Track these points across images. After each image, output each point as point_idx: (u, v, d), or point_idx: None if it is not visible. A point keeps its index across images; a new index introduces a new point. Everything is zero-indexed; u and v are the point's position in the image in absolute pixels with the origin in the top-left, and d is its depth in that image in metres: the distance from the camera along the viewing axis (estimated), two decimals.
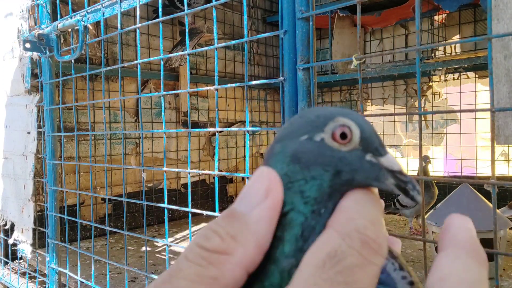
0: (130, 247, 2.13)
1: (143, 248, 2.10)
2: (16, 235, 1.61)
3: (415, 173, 2.71)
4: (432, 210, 1.82)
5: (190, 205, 1.02)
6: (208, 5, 1.00)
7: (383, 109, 3.10)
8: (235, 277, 0.21)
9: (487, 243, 1.58)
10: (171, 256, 2.01)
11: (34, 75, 1.61)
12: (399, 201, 2.15)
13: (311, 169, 0.24)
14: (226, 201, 3.11)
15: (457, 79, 2.74)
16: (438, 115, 2.83)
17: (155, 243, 2.21)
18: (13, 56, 1.58)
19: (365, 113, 0.79)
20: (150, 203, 1.12)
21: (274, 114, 3.42)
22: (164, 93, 1.05)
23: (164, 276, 0.21)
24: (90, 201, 2.28)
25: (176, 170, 1.16)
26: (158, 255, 2.04)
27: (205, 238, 0.21)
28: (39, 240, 1.88)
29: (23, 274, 1.80)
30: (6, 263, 1.89)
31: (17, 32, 1.53)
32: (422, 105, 2.87)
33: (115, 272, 1.78)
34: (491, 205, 1.37)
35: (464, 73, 2.67)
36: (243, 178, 3.18)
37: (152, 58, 1.13)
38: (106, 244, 1.31)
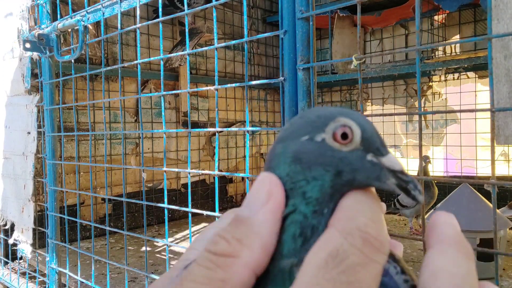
0: (130, 247, 2.13)
1: (143, 248, 2.10)
2: (16, 235, 1.61)
3: (415, 173, 2.71)
4: (432, 210, 1.82)
5: (190, 205, 1.02)
6: (208, 5, 1.00)
7: (383, 109, 3.10)
8: (243, 279, 0.21)
9: (487, 243, 1.59)
10: (171, 256, 2.01)
11: (34, 75, 1.61)
12: (399, 201, 2.15)
13: (312, 169, 0.24)
14: (226, 201, 3.11)
15: (457, 79, 2.74)
16: (438, 115, 2.83)
17: (155, 243, 2.21)
18: (13, 56, 1.58)
19: (365, 113, 0.79)
20: (150, 203, 1.12)
21: (274, 114, 3.42)
22: (164, 93, 1.05)
23: (175, 279, 0.22)
24: (90, 201, 2.28)
25: (176, 170, 1.16)
26: (158, 255, 2.04)
27: (212, 243, 0.22)
28: (39, 240, 1.88)
29: (23, 274, 1.80)
30: (6, 263, 1.89)
31: (17, 32, 1.53)
32: (422, 105, 2.87)
33: (115, 272, 1.78)
34: (491, 205, 1.37)
35: (464, 73, 2.67)
36: (243, 178, 3.18)
37: (152, 58, 1.13)
38: (106, 244, 1.31)
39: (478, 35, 2.64)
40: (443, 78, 2.80)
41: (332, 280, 0.19)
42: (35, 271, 1.72)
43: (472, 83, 2.69)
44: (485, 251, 0.71)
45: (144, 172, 1.19)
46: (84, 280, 1.33)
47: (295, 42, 0.83)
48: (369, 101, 3.14)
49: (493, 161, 0.63)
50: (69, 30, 1.37)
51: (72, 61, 1.30)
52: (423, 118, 2.71)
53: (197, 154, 2.91)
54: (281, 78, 0.86)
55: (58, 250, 1.46)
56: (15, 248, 1.67)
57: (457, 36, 2.74)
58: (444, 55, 2.74)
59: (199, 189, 2.91)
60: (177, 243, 2.19)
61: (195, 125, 2.84)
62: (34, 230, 1.55)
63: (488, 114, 1.13)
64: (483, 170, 2.68)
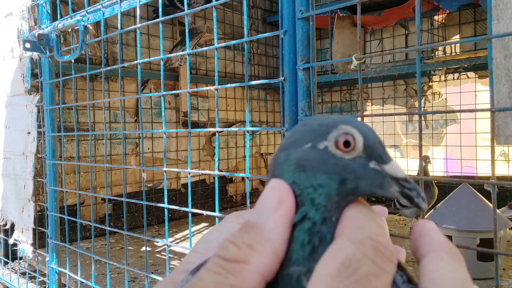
0: (130, 247, 2.13)
1: (143, 248, 2.10)
2: (16, 235, 1.61)
3: (415, 173, 2.72)
4: (432, 210, 1.82)
5: (190, 205, 1.02)
6: (208, 5, 1.00)
7: (383, 109, 3.10)
8: (253, 284, 0.21)
9: (487, 243, 1.58)
10: (171, 256, 2.01)
11: (34, 75, 1.61)
12: (399, 201, 2.14)
13: (318, 177, 0.24)
14: (226, 201, 3.11)
15: (457, 79, 2.74)
16: (438, 115, 2.83)
17: (155, 243, 2.21)
18: (13, 56, 1.58)
19: (365, 113, 0.79)
20: (150, 203, 1.12)
21: (274, 114, 3.42)
22: (164, 93, 1.05)
23: (182, 284, 0.22)
24: (90, 201, 2.28)
25: (176, 170, 1.16)
26: (158, 255, 2.04)
27: (223, 249, 0.22)
28: (39, 240, 1.87)
29: (23, 274, 1.80)
30: (6, 263, 1.89)
31: (17, 32, 1.53)
32: (422, 105, 2.87)
33: (115, 272, 1.78)
34: (491, 205, 1.37)
35: (464, 73, 2.67)
36: (243, 178, 3.18)
37: (152, 58, 1.13)
38: (106, 244, 1.31)
39: (478, 35, 2.64)
40: (443, 78, 2.80)
41: None
42: (35, 271, 1.72)
43: (472, 83, 2.69)
44: (485, 251, 0.71)
45: (144, 172, 1.19)
46: (84, 280, 1.33)
47: (295, 42, 0.83)
48: (369, 101, 3.14)
49: (493, 161, 0.63)
50: (69, 30, 1.37)
51: (72, 61, 1.30)
52: (423, 118, 2.71)
53: (197, 154, 2.91)
54: (281, 78, 0.86)
55: (58, 250, 1.46)
56: (15, 248, 1.67)
57: (457, 36, 2.74)
58: (444, 55, 2.74)
59: (199, 189, 2.91)
60: (177, 243, 2.19)
61: (195, 125, 2.84)
62: (34, 230, 1.55)
63: (488, 114, 1.13)
64: (483, 170, 2.68)
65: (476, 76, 2.65)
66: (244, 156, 3.21)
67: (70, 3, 1.32)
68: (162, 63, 1.06)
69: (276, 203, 0.23)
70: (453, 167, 2.86)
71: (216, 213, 0.95)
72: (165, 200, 1.07)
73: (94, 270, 1.31)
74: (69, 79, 1.78)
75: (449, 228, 1.63)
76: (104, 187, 2.33)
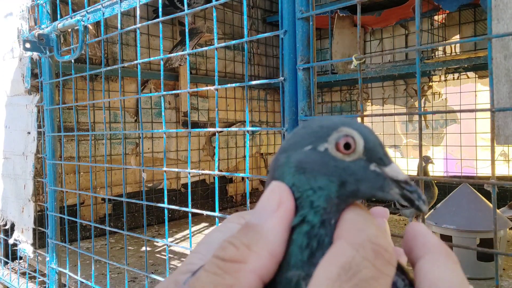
0: (130, 247, 2.13)
1: (143, 248, 2.10)
2: (16, 235, 1.61)
3: (415, 173, 2.71)
4: (432, 210, 1.82)
5: (190, 205, 1.02)
6: (208, 5, 1.00)
7: (383, 109, 3.10)
8: (250, 284, 0.21)
9: (487, 243, 1.58)
10: (171, 256, 2.01)
11: (34, 75, 1.61)
12: (399, 202, 2.14)
13: (317, 179, 0.24)
14: (226, 201, 3.11)
15: (457, 79, 2.74)
16: (438, 115, 2.83)
17: (155, 243, 2.21)
18: (13, 56, 1.58)
19: (365, 113, 0.79)
20: (150, 203, 1.12)
21: (274, 114, 3.42)
22: (164, 93, 1.05)
23: (182, 286, 0.22)
24: (90, 201, 2.28)
25: (176, 170, 1.16)
26: (158, 255, 2.04)
27: (221, 249, 0.22)
28: (39, 240, 1.88)
29: (23, 274, 1.80)
30: (6, 263, 1.89)
31: (17, 32, 1.53)
32: (422, 105, 2.87)
33: (115, 272, 1.78)
34: (491, 205, 1.37)
35: (464, 73, 2.67)
36: (243, 178, 3.18)
37: (152, 58, 1.13)
38: (106, 244, 1.31)
39: (478, 35, 2.64)
40: (443, 78, 2.80)
41: None
42: (35, 271, 1.72)
43: (472, 83, 2.69)
44: (485, 251, 0.71)
45: (144, 172, 1.19)
46: (84, 280, 1.33)
47: (295, 42, 0.83)
48: (369, 101, 3.14)
49: (493, 161, 0.63)
50: (69, 30, 1.37)
51: (72, 61, 1.30)
52: (423, 118, 2.71)
53: (197, 154, 2.91)
54: (281, 78, 0.86)
55: (58, 250, 1.46)
56: (15, 248, 1.67)
57: (457, 36, 2.74)
58: (444, 55, 2.74)
59: (199, 189, 2.91)
60: (177, 243, 2.19)
61: (195, 125, 2.84)
62: (34, 230, 1.55)
63: (488, 114, 1.13)
64: (483, 170, 2.68)
65: (476, 76, 2.65)
66: (244, 156, 3.21)
67: (70, 3, 1.32)
68: (162, 63, 1.06)
69: (276, 205, 0.23)
70: (453, 167, 2.86)
71: (216, 213, 0.95)
72: (165, 200, 1.07)
73: (94, 270, 1.31)
74: (69, 79, 1.78)
75: (449, 228, 1.63)
76: (104, 187, 2.33)
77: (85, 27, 1.28)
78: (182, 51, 2.20)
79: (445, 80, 2.80)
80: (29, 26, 1.49)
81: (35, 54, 1.45)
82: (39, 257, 1.77)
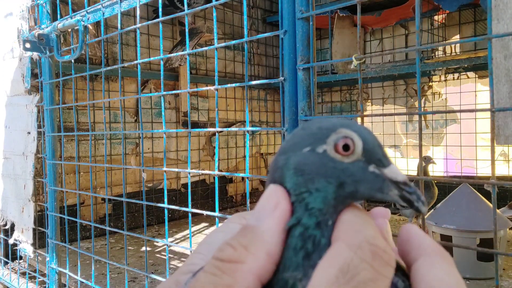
0: (130, 247, 2.13)
1: (143, 248, 2.10)
2: (16, 235, 1.61)
3: (415, 173, 2.71)
4: (432, 210, 1.82)
5: (190, 205, 1.02)
6: (208, 5, 1.00)
7: (383, 109, 3.10)
8: (248, 284, 0.21)
9: (487, 243, 1.58)
10: (171, 256, 2.01)
11: (34, 75, 1.61)
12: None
13: (315, 181, 0.24)
14: (226, 201, 3.11)
15: (457, 79, 2.74)
16: (438, 115, 2.83)
17: (155, 243, 2.21)
18: (13, 56, 1.58)
19: (365, 113, 0.79)
20: (150, 203, 1.12)
21: (274, 114, 3.42)
22: (164, 93, 1.05)
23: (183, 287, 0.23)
24: (90, 201, 2.28)
25: (176, 170, 1.16)
26: (158, 255, 2.04)
27: (220, 250, 0.22)
28: (39, 240, 1.88)
29: (23, 274, 1.80)
30: (6, 263, 1.89)
31: (17, 32, 1.53)
32: (422, 105, 2.87)
33: (115, 272, 1.78)
34: (491, 205, 1.37)
35: (464, 73, 2.67)
36: (243, 178, 3.18)
37: (152, 58, 1.13)
38: (106, 244, 1.31)
39: (478, 35, 2.64)
40: (443, 78, 2.80)
41: None
42: (35, 271, 1.72)
43: (472, 83, 2.69)
44: (485, 251, 0.71)
45: (144, 172, 1.19)
46: (84, 280, 1.33)
47: (295, 42, 0.83)
48: (369, 101, 3.14)
49: (493, 161, 0.63)
50: (69, 30, 1.37)
51: (72, 61, 1.30)
52: (423, 118, 2.71)
53: (197, 154, 2.91)
54: (281, 78, 0.86)
55: (58, 250, 1.46)
56: (15, 248, 1.67)
57: (457, 36, 2.74)
58: (444, 55, 2.74)
59: (199, 189, 2.91)
60: (177, 243, 2.19)
61: (195, 125, 2.84)
62: (34, 230, 1.55)
63: (488, 114, 1.13)
64: (483, 170, 2.68)
65: (476, 76, 2.65)
66: (244, 156, 3.21)
67: (70, 3, 1.32)
68: (162, 63, 1.06)
69: (272, 207, 0.24)
70: (453, 167, 2.86)
71: (216, 213, 0.95)
72: (165, 200, 1.07)
73: (94, 270, 1.31)
74: (69, 79, 1.78)
75: (449, 228, 1.63)
76: (104, 187, 2.33)
77: (85, 27, 1.28)
78: (182, 51, 2.20)
79: (445, 80, 2.80)
80: (29, 26, 1.49)
81: (35, 54, 1.45)
82: (39, 257, 1.78)
